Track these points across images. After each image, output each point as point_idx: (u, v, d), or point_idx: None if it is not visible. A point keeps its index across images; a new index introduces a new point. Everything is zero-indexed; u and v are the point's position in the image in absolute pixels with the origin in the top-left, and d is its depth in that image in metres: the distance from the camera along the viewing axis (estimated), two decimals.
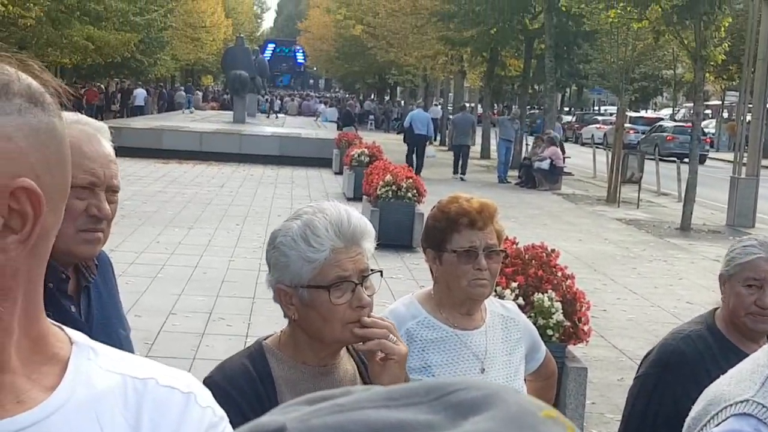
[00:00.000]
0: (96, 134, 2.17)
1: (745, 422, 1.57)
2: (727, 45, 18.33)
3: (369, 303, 2.10)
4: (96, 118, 2.29)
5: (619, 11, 19.02)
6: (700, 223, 18.32)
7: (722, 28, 17.63)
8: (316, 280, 2.06)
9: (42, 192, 0.97)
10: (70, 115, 2.15)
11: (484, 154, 35.04)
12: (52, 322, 1.07)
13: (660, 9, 17.60)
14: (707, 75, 19.15)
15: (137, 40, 39.05)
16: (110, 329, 2.29)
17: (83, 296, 2.24)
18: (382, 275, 2.15)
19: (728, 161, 27.98)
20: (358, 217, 2.11)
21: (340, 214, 2.08)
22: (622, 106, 24.81)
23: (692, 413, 1.71)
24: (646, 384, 2.96)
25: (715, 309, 3.04)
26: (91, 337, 2.28)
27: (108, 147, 2.19)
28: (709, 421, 1.64)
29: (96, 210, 2.11)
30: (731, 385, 1.67)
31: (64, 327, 1.08)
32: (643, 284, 12.19)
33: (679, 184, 22.23)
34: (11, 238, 0.95)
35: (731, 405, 1.61)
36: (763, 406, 1.58)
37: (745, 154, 19.08)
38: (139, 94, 50.72)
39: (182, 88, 64.02)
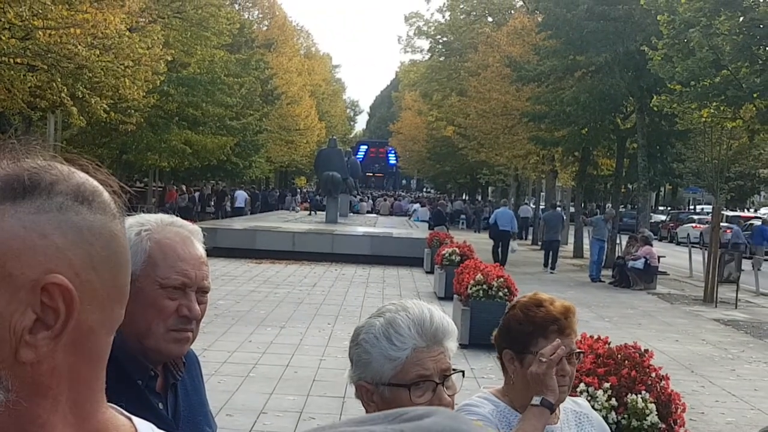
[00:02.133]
0: (190, 236, 2.23)
1: None
2: None
3: (450, 402, 2.08)
4: (185, 219, 2.37)
5: (712, 110, 18.92)
6: None
7: None
8: (397, 379, 2.06)
9: (82, 289, 0.97)
10: (165, 218, 2.26)
11: (577, 253, 34.70)
12: (122, 412, 1.08)
13: (754, 108, 17.46)
14: None
15: (233, 143, 40.11)
16: (196, 427, 2.33)
17: (170, 393, 2.27)
18: (464, 375, 2.15)
19: None
20: (441, 316, 2.12)
21: (423, 313, 2.09)
22: (718, 204, 24.42)
23: None
24: None
25: None
26: None
27: (200, 249, 2.24)
28: None
29: (186, 310, 2.16)
30: None
31: (134, 418, 1.08)
32: (742, 386, 11.82)
33: None
34: (42, 334, 0.96)
35: None
36: None
37: None
38: (240, 195, 51.99)
39: (288, 192, 65.45)
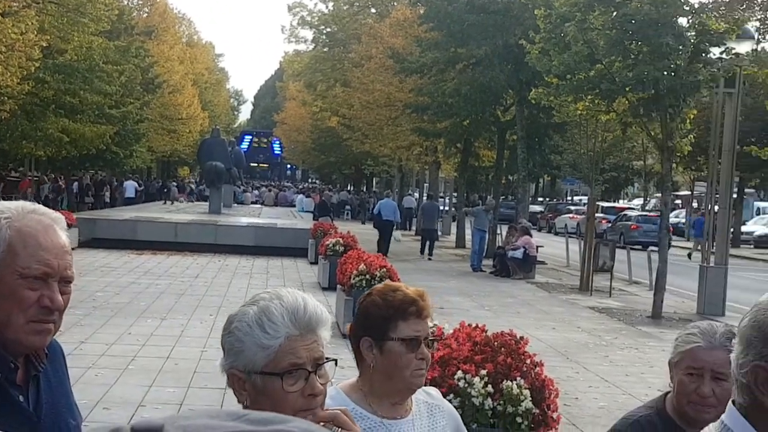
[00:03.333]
0: (53, 224, 2.16)
1: None
2: (693, 136, 18.73)
3: (322, 391, 2.09)
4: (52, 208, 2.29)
5: (587, 104, 19.43)
6: (671, 311, 18.43)
7: (688, 120, 18.05)
8: (269, 367, 2.06)
9: None
10: (27, 205, 2.18)
11: (459, 243, 35.21)
12: None
13: (627, 101, 18.01)
14: (675, 166, 19.47)
15: (113, 133, 39.27)
16: (59, 419, 2.27)
17: (32, 385, 2.21)
18: (336, 364, 2.17)
19: (697, 250, 28.28)
20: (315, 304, 2.13)
21: (297, 302, 2.09)
22: (593, 196, 25.13)
23: None
24: None
25: (666, 393, 3.06)
26: (40, 426, 2.28)
27: (64, 237, 2.17)
28: None
29: (48, 301, 2.10)
30: None
31: None
32: (614, 372, 12.23)
33: (649, 273, 22.40)
34: None
35: None
36: None
37: (714, 243, 19.32)
38: (129, 185, 51.10)
39: (175, 183, 64.45)
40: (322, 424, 2.04)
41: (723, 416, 1.70)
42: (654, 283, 18.83)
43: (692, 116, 18.46)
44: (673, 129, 17.74)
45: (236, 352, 2.10)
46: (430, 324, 2.85)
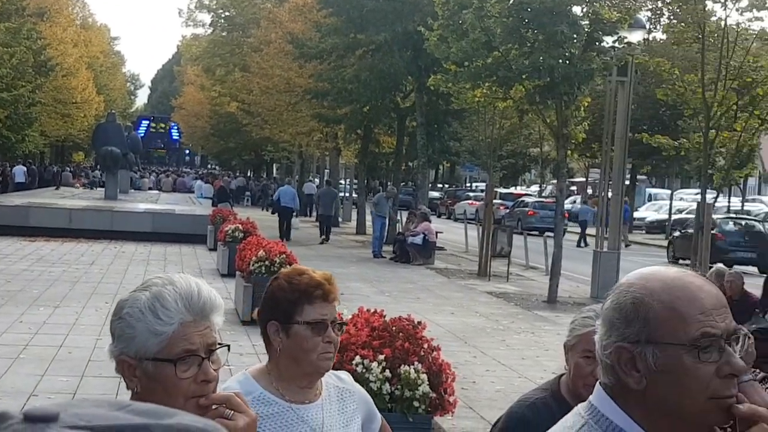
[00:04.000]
0: None
1: None
2: (587, 124, 19.12)
3: (215, 377, 2.07)
4: None
5: (485, 91, 19.65)
6: (566, 296, 18.83)
7: (582, 108, 18.42)
8: (162, 354, 2.03)
9: None
10: None
11: (360, 229, 35.30)
12: None
13: (523, 89, 18.28)
14: (570, 153, 19.83)
15: (3, 116, 38.14)
16: None
17: None
18: (229, 349, 2.16)
19: (591, 236, 28.92)
20: (208, 290, 2.10)
21: (191, 287, 2.07)
22: (492, 182, 25.47)
23: None
24: None
25: (561, 375, 3.13)
26: None
27: None
28: None
29: None
30: None
31: None
32: (511, 356, 12.44)
33: (545, 258, 22.83)
34: None
35: None
36: None
37: (607, 229, 19.78)
38: (18, 171, 49.80)
39: (70, 169, 63.03)
40: (215, 406, 2.03)
41: (590, 397, 1.74)
42: (549, 269, 19.21)
43: (586, 104, 18.84)
44: (568, 116, 18.09)
45: (127, 338, 2.06)
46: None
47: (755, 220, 32.61)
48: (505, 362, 11.95)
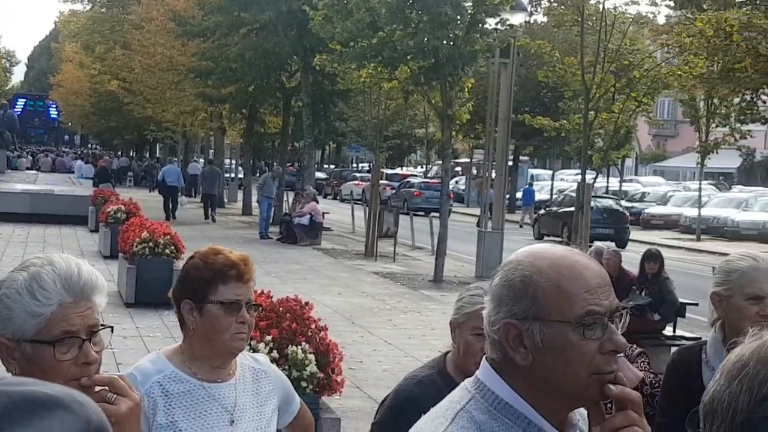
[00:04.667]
0: None
1: None
2: (471, 105, 19.39)
3: (96, 359, 2.03)
4: None
5: (370, 71, 19.70)
6: (451, 275, 19.08)
7: (466, 89, 18.66)
8: (41, 335, 1.99)
9: None
10: None
11: (246, 210, 35.02)
12: None
13: (408, 70, 18.39)
14: (455, 134, 20.09)
15: None
16: None
17: None
18: (112, 331, 2.12)
19: (476, 215, 29.38)
20: (90, 270, 2.06)
21: (70, 268, 2.02)
22: (378, 163, 25.58)
23: None
24: (381, 430, 3.02)
25: (447, 353, 3.16)
26: None
27: None
28: None
29: None
30: (427, 422, 1.74)
31: None
32: (398, 335, 12.55)
33: (431, 238, 23.07)
34: None
35: None
36: None
37: (491, 209, 20.11)
38: None
39: None
40: (97, 389, 1.99)
41: (477, 372, 1.77)
42: (435, 248, 19.43)
43: (470, 85, 19.09)
44: (452, 97, 18.29)
45: (4, 320, 2.01)
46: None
47: (611, 198, 34.04)
48: (392, 342, 12.05)
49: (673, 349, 7.20)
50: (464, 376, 2.98)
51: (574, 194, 33.39)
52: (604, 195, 35.98)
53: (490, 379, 1.73)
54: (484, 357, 1.78)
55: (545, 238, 30.01)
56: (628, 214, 31.81)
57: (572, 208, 29.89)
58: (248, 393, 2.86)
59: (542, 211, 33.42)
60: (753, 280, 3.17)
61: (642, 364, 3.74)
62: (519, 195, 42.48)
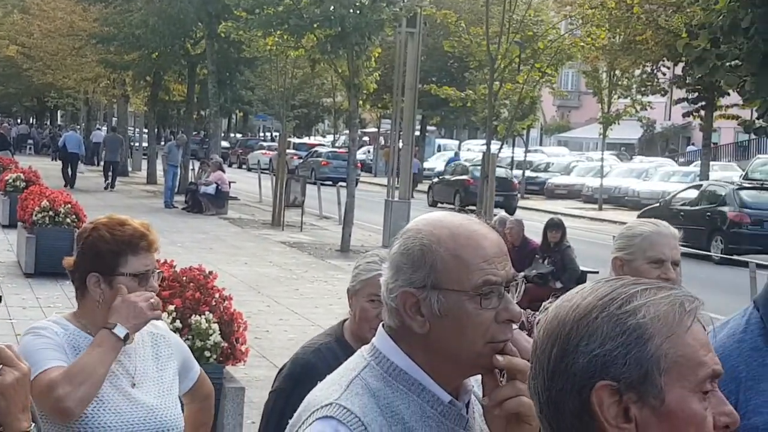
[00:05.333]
0: None
1: (327, 424, 1.64)
2: (378, 74, 19.37)
3: None
4: None
5: (276, 39, 19.53)
6: (358, 245, 19.13)
7: (373, 59, 18.64)
8: None
9: None
10: None
11: (151, 179, 34.50)
12: None
13: (315, 38, 18.28)
14: (362, 103, 20.09)
15: None
16: None
17: None
18: (1, 300, 2.07)
19: (383, 185, 29.50)
20: None
21: None
22: (285, 132, 25.44)
23: (292, 420, 1.77)
24: (279, 398, 3.01)
25: (344, 320, 3.18)
26: None
27: None
28: (300, 426, 1.70)
29: None
30: (322, 390, 1.75)
31: None
32: (304, 304, 12.56)
33: (339, 208, 23.09)
34: None
35: (318, 409, 1.68)
36: (345, 408, 1.65)
37: (398, 179, 20.20)
38: None
39: None
40: None
41: (373, 339, 1.78)
42: (343, 218, 19.45)
43: (377, 55, 19.07)
44: (359, 66, 18.25)
45: None
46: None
47: (501, 167, 34.81)
48: (298, 311, 12.05)
49: None
50: (361, 343, 3.00)
51: (465, 163, 35.26)
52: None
53: (386, 347, 1.74)
54: (381, 325, 1.78)
55: (438, 205, 30.60)
56: (516, 181, 32.68)
57: (464, 176, 31.71)
58: (148, 357, 2.86)
59: (435, 180, 34.15)
60: (654, 244, 3.26)
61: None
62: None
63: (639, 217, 24.90)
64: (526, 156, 44.08)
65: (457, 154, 47.28)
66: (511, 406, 1.70)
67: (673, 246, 3.31)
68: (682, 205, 22.48)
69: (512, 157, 40.76)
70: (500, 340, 1.70)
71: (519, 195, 30.53)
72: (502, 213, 12.87)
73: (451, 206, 29.07)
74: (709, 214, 21.16)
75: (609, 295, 1.37)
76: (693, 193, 23.00)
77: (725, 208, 20.95)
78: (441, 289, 1.68)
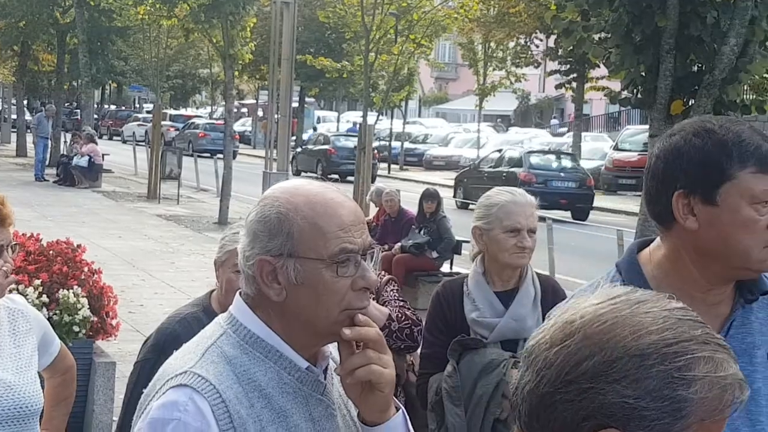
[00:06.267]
0: None
1: (181, 393, 1.63)
2: (254, 45, 19.19)
3: None
4: None
5: (148, 8, 19.16)
6: (236, 217, 18.97)
7: (248, 29, 18.45)
8: None
9: None
10: None
11: (20, 152, 33.44)
12: None
13: (188, 7, 17.99)
14: (238, 74, 19.88)
15: None
16: None
17: None
18: None
19: (263, 157, 29.31)
20: None
21: None
22: (159, 103, 24.99)
23: (146, 389, 1.76)
24: (143, 369, 3.00)
25: (212, 291, 3.19)
26: None
27: None
28: (154, 395, 1.69)
29: None
30: (178, 358, 1.75)
31: None
32: (180, 278, 12.43)
33: (216, 180, 22.86)
34: None
35: (172, 377, 1.68)
36: (200, 376, 1.65)
37: (276, 151, 20.06)
38: None
39: None
40: None
41: (230, 307, 1.79)
42: (220, 190, 19.27)
43: (252, 25, 18.88)
44: (234, 37, 18.05)
45: None
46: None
47: (352, 136, 36.34)
48: (173, 284, 11.92)
49: None
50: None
51: (327, 133, 36.20)
52: (355, 134, 37.70)
53: (243, 315, 1.75)
54: (238, 292, 1.79)
55: (302, 174, 31.06)
56: (377, 151, 33.32)
57: (326, 146, 32.69)
58: (4, 333, 2.81)
59: (299, 149, 34.70)
60: (510, 213, 3.34)
61: (392, 292, 3.87)
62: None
63: (456, 178, 26.60)
64: (404, 128, 44.38)
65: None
66: (361, 374, 1.73)
67: (530, 214, 3.39)
68: (489, 167, 24.93)
69: (391, 129, 40.98)
70: (356, 308, 1.72)
71: (378, 164, 31.17)
72: (378, 185, 12.96)
73: (315, 175, 29.59)
74: (505, 174, 23.34)
75: (676, 343, 1.20)
76: (496, 156, 25.85)
77: (518, 170, 23.47)
78: (298, 257, 1.69)
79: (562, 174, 23.80)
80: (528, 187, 22.23)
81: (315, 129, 46.49)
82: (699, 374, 1.19)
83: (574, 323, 1.23)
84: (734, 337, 2.04)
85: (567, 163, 24.82)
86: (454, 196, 24.38)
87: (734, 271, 2.03)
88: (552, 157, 25.58)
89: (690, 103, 7.54)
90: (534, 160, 24.40)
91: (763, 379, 2.04)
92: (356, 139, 34.24)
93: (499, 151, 26.83)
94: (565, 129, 48.31)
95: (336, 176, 31.36)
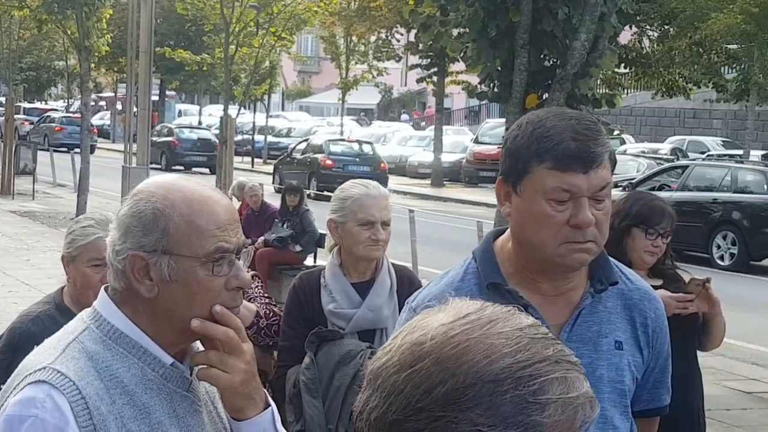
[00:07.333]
0: None
1: (38, 389, 1.61)
2: (111, 37, 18.75)
3: None
4: None
5: None
6: (95, 213, 18.57)
7: (104, 20, 18.02)
8: None
9: None
10: None
11: None
12: None
13: None
14: (95, 66, 19.40)
15: None
16: None
17: None
18: None
19: (122, 151, 28.65)
20: None
21: None
22: (12, 96, 24.18)
23: (4, 386, 1.72)
24: None
25: (63, 287, 3.13)
26: None
27: None
28: (11, 392, 1.66)
29: None
30: (37, 354, 1.71)
31: None
32: (36, 275, 12.07)
33: (74, 175, 22.27)
34: None
35: (30, 374, 1.65)
36: (59, 372, 1.63)
37: (135, 145, 19.68)
38: None
39: None
40: None
41: (95, 302, 1.76)
42: (77, 185, 18.79)
43: (108, 16, 18.46)
44: (90, 28, 17.59)
45: None
46: None
47: (205, 129, 37.71)
48: (29, 282, 11.57)
49: None
50: (82, 308, 2.97)
51: (171, 125, 36.66)
52: (199, 126, 40.33)
53: (108, 310, 1.73)
54: (103, 287, 1.76)
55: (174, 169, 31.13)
56: (218, 142, 33.91)
57: (170, 138, 33.37)
58: None
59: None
60: (364, 206, 3.38)
61: (257, 289, 3.89)
62: None
63: (274, 165, 28.40)
64: (267, 121, 44.10)
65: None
66: (200, 375, 1.74)
67: (383, 207, 3.44)
68: (299, 155, 27.74)
69: (254, 122, 40.69)
70: (230, 307, 1.72)
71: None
72: (241, 179, 12.86)
73: (159, 167, 29.44)
74: (309, 160, 26.80)
75: (530, 365, 1.14)
76: (303, 146, 28.71)
77: (319, 156, 26.63)
78: (172, 254, 1.68)
79: (357, 159, 27.12)
80: (328, 171, 25.55)
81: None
82: (552, 397, 1.13)
83: (424, 345, 1.15)
84: (581, 325, 2.14)
85: (365, 150, 28.28)
86: (273, 182, 25.69)
87: (539, 262, 2.11)
88: (354, 145, 28.79)
89: (544, 97, 7.77)
90: (334, 148, 27.68)
91: (606, 366, 2.14)
92: (203, 131, 35.04)
93: (306, 140, 30.15)
94: (424, 123, 48.96)
95: (181, 167, 31.80)
